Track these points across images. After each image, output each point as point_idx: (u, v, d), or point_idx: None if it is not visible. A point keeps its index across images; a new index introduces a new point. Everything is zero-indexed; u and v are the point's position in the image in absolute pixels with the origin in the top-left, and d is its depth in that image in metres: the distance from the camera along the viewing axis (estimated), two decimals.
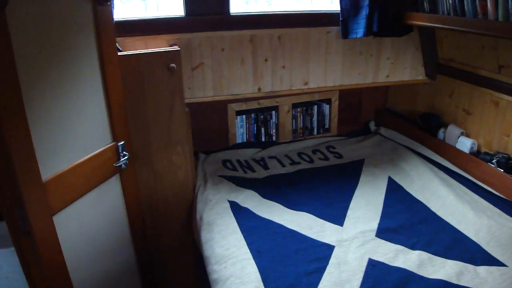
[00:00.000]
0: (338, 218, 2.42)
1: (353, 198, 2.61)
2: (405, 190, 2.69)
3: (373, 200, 2.59)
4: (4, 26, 1.50)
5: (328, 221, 2.39)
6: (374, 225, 2.35)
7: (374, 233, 2.28)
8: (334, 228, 2.34)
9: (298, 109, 3.39)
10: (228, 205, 2.55)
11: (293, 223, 2.38)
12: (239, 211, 2.49)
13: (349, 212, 2.47)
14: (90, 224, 2.14)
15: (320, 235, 2.27)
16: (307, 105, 3.42)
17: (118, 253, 2.37)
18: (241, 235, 2.27)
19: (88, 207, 2.09)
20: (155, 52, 2.39)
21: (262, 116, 3.32)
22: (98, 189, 2.14)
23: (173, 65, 2.38)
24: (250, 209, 2.52)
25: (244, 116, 3.29)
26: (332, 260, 2.07)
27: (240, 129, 3.31)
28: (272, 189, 2.74)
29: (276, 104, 3.32)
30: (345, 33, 2.91)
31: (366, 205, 2.54)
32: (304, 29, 2.95)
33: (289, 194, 2.67)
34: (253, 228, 2.34)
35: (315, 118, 3.47)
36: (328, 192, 2.70)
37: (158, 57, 2.38)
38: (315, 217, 2.43)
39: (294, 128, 3.44)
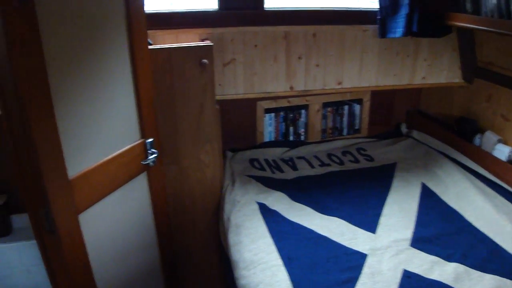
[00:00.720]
0: (370, 225, 2.33)
1: (385, 204, 2.52)
2: (440, 197, 2.58)
3: (406, 207, 2.49)
4: (33, 18, 1.44)
5: (361, 227, 2.30)
6: (408, 233, 2.25)
7: (409, 242, 2.18)
8: (367, 235, 2.25)
9: (328, 109, 3.29)
10: (256, 207, 2.47)
11: (324, 228, 2.29)
12: (268, 214, 2.41)
13: (382, 219, 2.38)
14: (115, 223, 2.08)
15: (352, 243, 2.19)
16: (338, 105, 3.32)
17: (142, 252, 2.31)
18: (271, 239, 2.20)
19: (114, 205, 2.03)
20: (187, 46, 2.34)
21: (291, 115, 3.23)
22: (125, 187, 2.08)
23: (205, 60, 2.31)
24: (279, 212, 2.44)
25: (273, 114, 3.20)
26: (365, 270, 1.99)
27: (268, 128, 3.22)
28: (301, 191, 2.66)
29: (306, 103, 3.23)
30: (383, 32, 2.81)
31: (400, 212, 2.44)
32: (340, 27, 2.86)
33: (319, 198, 2.59)
34: (283, 232, 2.26)
35: (345, 118, 3.37)
36: (359, 196, 2.60)
37: (190, 52, 2.32)
38: (346, 223, 2.34)
39: (323, 128, 3.35)
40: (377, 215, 2.42)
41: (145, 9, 2.01)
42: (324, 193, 2.64)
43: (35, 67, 1.48)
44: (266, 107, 3.16)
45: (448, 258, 2.06)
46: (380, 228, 2.30)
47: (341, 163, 3.03)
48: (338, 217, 2.39)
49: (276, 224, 2.32)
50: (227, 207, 2.52)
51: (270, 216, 2.40)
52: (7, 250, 2.70)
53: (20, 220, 2.73)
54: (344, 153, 3.16)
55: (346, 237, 2.22)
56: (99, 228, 1.97)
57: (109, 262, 2.08)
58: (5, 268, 2.73)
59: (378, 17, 2.80)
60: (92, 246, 1.90)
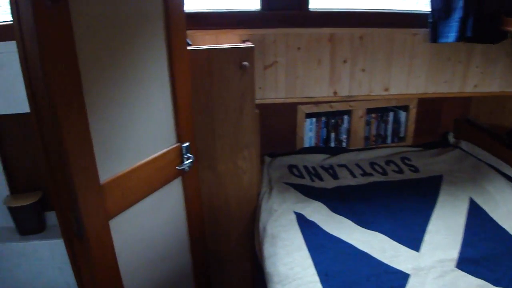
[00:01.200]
0: (414, 242, 2.19)
1: (430, 220, 2.36)
2: (489, 215, 2.41)
3: (452, 224, 2.33)
4: (66, 18, 1.39)
5: (403, 244, 2.17)
6: (454, 253, 2.10)
7: (454, 263, 2.03)
8: (410, 253, 2.11)
9: (373, 115, 3.16)
10: (294, 217, 2.37)
11: (364, 243, 2.17)
12: (305, 225, 2.31)
13: (426, 236, 2.23)
14: (147, 229, 2.02)
15: (394, 261, 2.05)
16: (383, 111, 3.18)
17: (174, 260, 2.25)
18: (308, 253, 2.09)
19: (146, 211, 1.98)
20: (227, 48, 2.26)
21: (333, 120, 3.11)
22: (158, 192, 2.02)
23: (246, 63, 2.23)
24: (318, 223, 2.33)
25: (314, 119, 3.09)
26: None
27: (308, 133, 3.11)
28: (341, 202, 2.54)
29: (350, 108, 3.10)
30: (434, 37, 2.66)
31: (445, 230, 2.28)
32: (389, 30, 2.73)
33: (360, 210, 2.46)
34: (320, 246, 2.15)
35: (389, 125, 3.23)
36: (403, 210, 2.46)
37: (231, 54, 2.24)
38: (388, 238, 2.21)
39: (366, 135, 3.21)
40: (422, 231, 2.27)
41: (184, 8, 1.95)
42: (365, 205, 2.52)
43: (67, 67, 1.44)
44: (307, 111, 3.05)
45: (496, 282, 1.91)
46: (424, 246, 2.16)
47: (385, 173, 2.89)
48: (380, 231, 2.26)
49: (314, 237, 2.22)
50: (263, 216, 2.44)
51: (307, 227, 2.29)
52: (40, 247, 2.73)
53: (54, 217, 2.72)
54: (388, 162, 3.03)
55: (388, 254, 2.09)
56: (130, 234, 1.92)
57: (139, 268, 2.03)
58: (37, 265, 2.76)
59: (430, 20, 2.65)
60: (122, 252, 1.86)
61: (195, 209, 2.30)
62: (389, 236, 2.22)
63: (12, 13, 1.42)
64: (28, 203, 2.68)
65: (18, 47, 1.47)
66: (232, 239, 2.66)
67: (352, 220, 2.36)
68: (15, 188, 2.79)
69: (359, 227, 2.31)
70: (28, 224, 2.75)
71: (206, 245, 2.50)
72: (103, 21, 1.57)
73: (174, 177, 2.10)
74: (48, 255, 2.73)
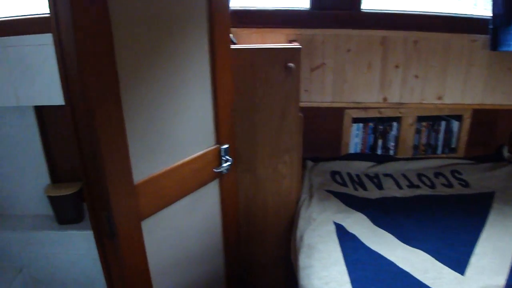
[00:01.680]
0: (459, 264, 2.04)
1: (478, 241, 2.20)
2: None
3: (502, 246, 2.16)
4: (105, 16, 1.36)
5: (447, 266, 2.02)
6: (501, 280, 1.93)
7: None
8: (454, 276, 1.96)
9: (423, 123, 3.00)
10: (333, 228, 2.26)
11: (405, 262, 2.04)
12: (345, 238, 2.20)
13: (473, 259, 2.07)
14: (180, 231, 1.98)
15: (436, 283, 1.91)
16: (434, 120, 3.02)
17: (206, 264, 2.21)
18: (345, 268, 1.98)
19: (181, 213, 1.94)
20: (272, 48, 2.18)
21: (381, 127, 2.98)
22: (194, 194, 1.97)
23: (291, 64, 2.14)
24: (358, 236, 2.21)
25: (361, 125, 2.96)
26: None
27: (355, 138, 2.99)
28: (385, 214, 2.41)
29: (399, 115, 2.95)
30: (495, 44, 2.50)
31: (493, 252, 2.12)
32: (446, 35, 2.59)
33: (404, 224, 2.33)
34: (359, 261, 2.04)
35: (441, 135, 3.06)
36: (450, 228, 2.31)
37: (276, 54, 2.16)
38: (432, 258, 2.07)
39: (415, 144, 3.06)
40: (468, 253, 2.12)
41: (229, 6, 1.89)
42: (410, 219, 2.38)
43: (104, 64, 1.40)
44: (355, 116, 2.93)
45: None
46: (469, 269, 2.01)
47: (432, 186, 2.74)
48: (423, 250, 2.12)
49: (353, 251, 2.11)
50: (301, 224, 2.35)
51: (347, 240, 2.19)
52: (77, 237, 2.76)
53: None
54: (437, 174, 2.87)
55: (430, 276, 1.96)
56: (162, 235, 1.89)
57: (170, 271, 1.99)
58: (73, 254, 2.80)
59: (490, 26, 2.50)
60: (153, 253, 1.83)
61: (231, 213, 2.24)
62: (433, 256, 2.09)
63: (50, 6, 1.39)
64: (68, 193, 2.70)
65: (54, 41, 1.44)
66: (267, 245, 2.59)
67: (395, 235, 2.23)
68: (56, 178, 2.81)
69: (401, 243, 2.18)
70: (66, 214, 2.77)
71: (240, 250, 2.44)
72: (143, 16, 1.53)
73: (211, 180, 2.05)
74: (84, 245, 2.75)
